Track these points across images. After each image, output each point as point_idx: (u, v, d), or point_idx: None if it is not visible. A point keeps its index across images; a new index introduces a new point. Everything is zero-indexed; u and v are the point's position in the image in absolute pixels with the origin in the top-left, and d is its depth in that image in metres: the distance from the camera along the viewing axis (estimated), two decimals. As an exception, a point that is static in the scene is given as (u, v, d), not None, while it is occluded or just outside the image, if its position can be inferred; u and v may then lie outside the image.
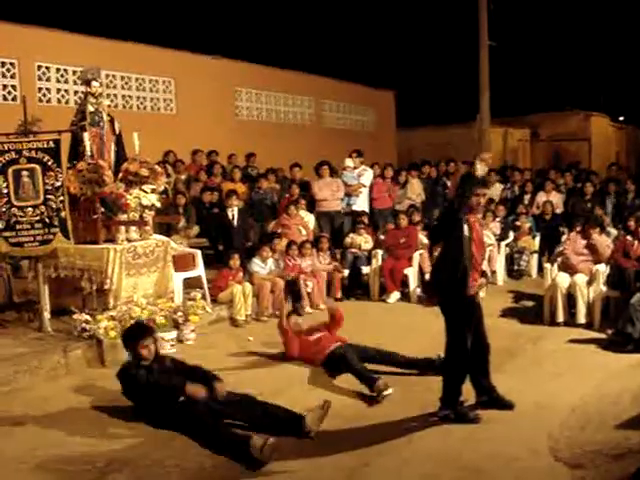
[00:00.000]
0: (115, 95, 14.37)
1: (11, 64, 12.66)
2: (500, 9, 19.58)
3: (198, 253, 9.55)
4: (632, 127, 32.71)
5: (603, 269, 8.92)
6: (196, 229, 11.48)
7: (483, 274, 5.95)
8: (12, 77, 12.69)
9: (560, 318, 8.81)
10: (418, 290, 10.40)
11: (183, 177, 12.78)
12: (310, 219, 11.96)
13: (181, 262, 9.15)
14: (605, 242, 9.30)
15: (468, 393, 5.91)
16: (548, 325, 8.83)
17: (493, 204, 12.93)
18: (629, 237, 9.09)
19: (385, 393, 6.15)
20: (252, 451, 4.88)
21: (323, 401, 5.46)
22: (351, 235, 11.39)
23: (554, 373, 6.90)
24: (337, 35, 29.72)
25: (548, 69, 34.35)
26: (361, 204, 12.59)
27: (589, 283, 8.83)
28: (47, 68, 13.27)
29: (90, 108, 8.40)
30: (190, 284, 9.14)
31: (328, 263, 10.69)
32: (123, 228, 8.17)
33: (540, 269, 11.32)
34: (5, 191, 7.45)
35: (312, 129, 19.63)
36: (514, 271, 12.08)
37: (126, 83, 14.77)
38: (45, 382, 6.80)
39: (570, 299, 8.91)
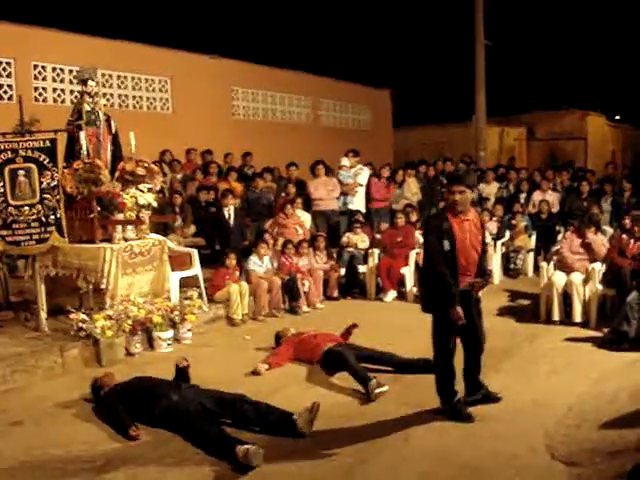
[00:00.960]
0: (111, 94, 14.39)
1: (7, 63, 12.66)
2: (496, 8, 19.61)
3: (195, 252, 9.54)
4: (628, 126, 32.75)
5: (599, 268, 8.94)
6: (192, 228, 11.50)
7: (481, 274, 5.84)
8: (8, 76, 12.69)
9: (556, 317, 8.83)
10: (414, 289, 10.41)
11: (179, 176, 12.80)
12: (306, 218, 11.97)
13: (178, 261, 9.16)
14: (601, 241, 9.32)
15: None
16: (544, 324, 8.84)
17: (489, 203, 12.99)
18: (625, 236, 9.11)
19: (379, 390, 6.15)
20: (237, 457, 4.89)
21: (311, 403, 5.46)
22: (347, 234, 11.40)
23: (550, 371, 6.91)
24: (334, 34, 29.71)
25: (544, 68, 34.39)
26: (357, 203, 12.59)
27: (585, 282, 8.85)
28: (43, 67, 13.27)
29: (86, 107, 8.42)
30: (187, 283, 9.14)
31: (325, 262, 10.70)
32: (120, 227, 8.18)
33: (536, 268, 11.34)
34: (1, 190, 7.44)
35: (309, 128, 19.63)
36: (510, 270, 12.11)
37: (122, 82, 14.77)
38: (42, 381, 6.81)
39: (566, 298, 8.92)
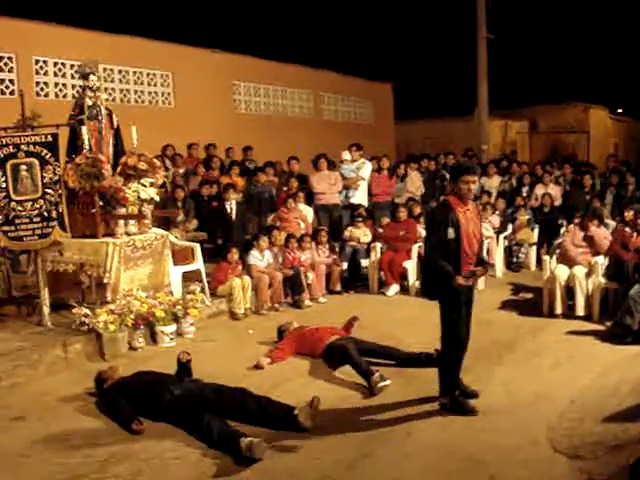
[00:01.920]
0: (113, 89, 14.35)
1: (9, 58, 12.63)
2: (498, 1, 19.56)
3: (197, 247, 9.55)
4: (631, 119, 32.70)
5: (602, 261, 8.93)
6: (195, 223, 11.50)
7: (481, 263, 5.89)
8: (10, 71, 12.66)
9: (559, 310, 8.82)
10: (417, 283, 10.40)
11: (182, 171, 12.79)
12: (309, 212, 11.97)
13: (180, 256, 9.17)
14: (604, 234, 9.30)
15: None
16: (547, 317, 8.83)
17: (492, 196, 12.96)
18: (627, 229, 9.09)
19: (382, 384, 6.15)
20: (241, 450, 4.90)
21: (312, 398, 5.46)
22: (350, 228, 11.39)
23: (553, 365, 6.91)
24: (335, 28, 29.65)
25: (546, 61, 34.27)
26: (360, 197, 12.58)
27: (588, 275, 8.83)
28: (45, 62, 13.24)
29: (88, 102, 8.42)
30: (189, 278, 9.14)
31: (327, 256, 10.70)
32: (122, 222, 8.18)
33: (539, 261, 11.32)
34: (3, 185, 7.43)
35: (310, 122, 19.60)
36: (513, 263, 12.10)
37: (124, 77, 14.74)
38: (45, 376, 6.81)
39: (569, 291, 8.91)
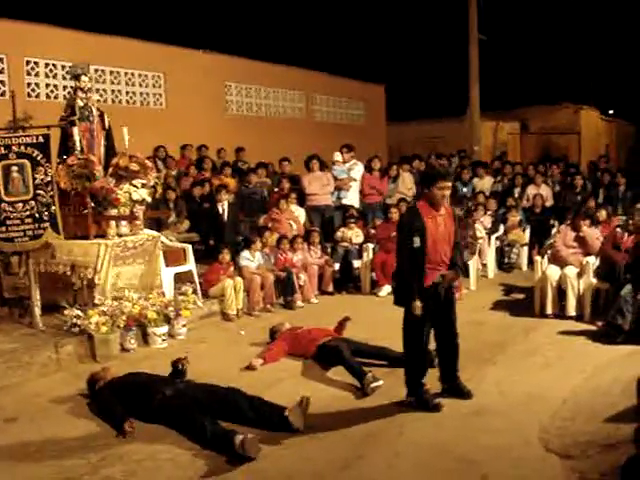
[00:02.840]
0: (104, 90, 14.31)
1: (0, 59, 12.59)
2: (490, 2, 19.61)
3: (189, 248, 9.54)
4: (621, 120, 32.82)
5: (593, 261, 8.96)
6: (186, 224, 11.48)
7: (452, 267, 5.87)
8: (1, 72, 12.63)
9: (550, 310, 8.85)
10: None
11: (174, 172, 12.77)
12: (300, 213, 11.96)
13: (172, 257, 9.16)
14: (595, 234, 9.33)
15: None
16: (538, 317, 8.85)
17: (482, 197, 12.98)
18: (619, 229, 9.12)
19: (374, 385, 6.16)
20: (234, 447, 4.89)
21: (300, 398, 5.46)
22: (342, 229, 11.40)
23: (545, 365, 6.93)
24: (327, 29, 29.70)
25: (538, 62, 34.41)
26: (351, 198, 12.59)
27: (579, 275, 8.86)
28: (36, 63, 13.20)
29: (79, 103, 8.40)
30: (181, 279, 9.13)
31: (319, 257, 10.70)
32: (114, 223, 8.16)
33: (530, 262, 11.36)
34: (-5, 186, 7.41)
35: (302, 123, 19.60)
36: (504, 264, 12.14)
37: (115, 78, 14.71)
38: (37, 378, 6.79)
39: (560, 291, 8.94)
